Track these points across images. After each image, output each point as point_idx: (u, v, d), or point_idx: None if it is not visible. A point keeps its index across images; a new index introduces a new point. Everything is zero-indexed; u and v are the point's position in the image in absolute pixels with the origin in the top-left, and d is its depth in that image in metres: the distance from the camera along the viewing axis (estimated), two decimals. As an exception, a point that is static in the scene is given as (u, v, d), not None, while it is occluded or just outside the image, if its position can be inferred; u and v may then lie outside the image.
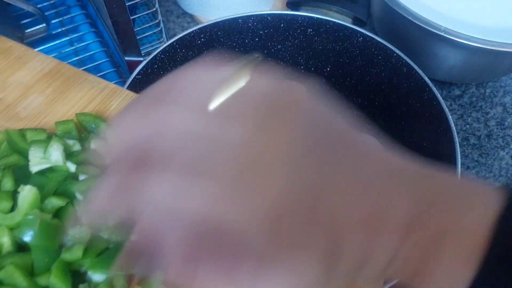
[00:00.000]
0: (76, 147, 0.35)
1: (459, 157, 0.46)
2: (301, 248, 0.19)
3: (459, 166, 0.45)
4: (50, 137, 0.35)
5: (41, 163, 0.33)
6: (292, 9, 0.68)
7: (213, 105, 0.19)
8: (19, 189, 0.31)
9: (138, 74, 0.51)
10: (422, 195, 0.21)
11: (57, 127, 0.36)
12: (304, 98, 0.21)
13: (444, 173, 0.22)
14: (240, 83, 0.20)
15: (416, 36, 0.62)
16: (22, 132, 0.35)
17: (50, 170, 0.33)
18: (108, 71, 0.66)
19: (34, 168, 0.32)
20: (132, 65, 0.63)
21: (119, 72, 0.67)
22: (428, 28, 0.57)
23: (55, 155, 0.33)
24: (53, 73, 0.41)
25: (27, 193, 0.31)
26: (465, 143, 0.66)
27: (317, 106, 0.21)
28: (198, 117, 0.19)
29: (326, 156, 0.20)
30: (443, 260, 0.20)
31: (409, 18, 0.58)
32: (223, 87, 0.20)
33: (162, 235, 0.19)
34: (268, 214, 0.18)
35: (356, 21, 0.67)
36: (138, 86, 0.51)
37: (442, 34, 0.57)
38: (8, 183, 0.32)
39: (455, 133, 0.47)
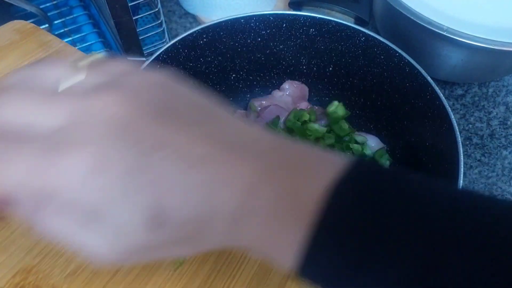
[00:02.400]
0: None
1: (462, 156, 0.45)
2: (123, 203, 0.19)
3: (462, 166, 0.45)
4: None
5: None
6: (294, 9, 0.68)
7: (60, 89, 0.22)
8: None
9: (140, 74, 0.51)
10: (268, 163, 0.21)
11: None
12: (132, 70, 0.23)
13: (295, 144, 0.23)
14: (79, 76, 0.22)
15: (419, 35, 0.62)
16: None
17: None
18: (111, 71, 0.66)
19: None
20: (134, 66, 0.63)
21: (122, 73, 0.68)
22: (430, 27, 0.57)
23: None
24: None
25: None
26: (467, 142, 0.66)
27: (158, 78, 0.22)
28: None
29: (170, 120, 0.20)
30: (275, 226, 0.20)
31: (412, 17, 0.58)
32: (64, 79, 0.22)
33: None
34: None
35: (358, 21, 0.67)
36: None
37: (444, 33, 0.57)
38: None
39: (457, 133, 0.47)
